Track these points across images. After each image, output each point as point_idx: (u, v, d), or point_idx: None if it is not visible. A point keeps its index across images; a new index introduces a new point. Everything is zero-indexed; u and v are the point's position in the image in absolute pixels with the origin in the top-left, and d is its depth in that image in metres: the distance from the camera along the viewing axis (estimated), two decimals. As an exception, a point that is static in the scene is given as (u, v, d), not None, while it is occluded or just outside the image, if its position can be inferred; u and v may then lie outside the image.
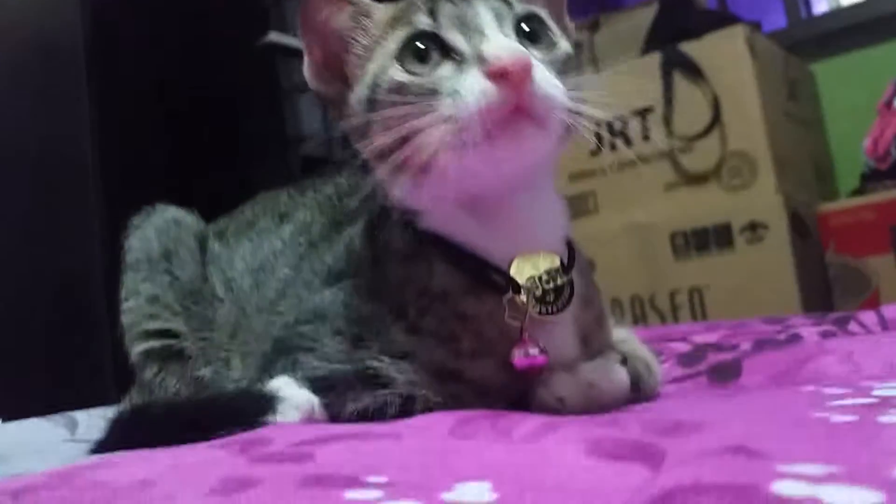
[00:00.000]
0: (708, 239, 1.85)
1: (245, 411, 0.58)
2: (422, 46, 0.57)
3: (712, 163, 1.87)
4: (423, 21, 0.58)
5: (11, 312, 1.87)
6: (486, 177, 0.56)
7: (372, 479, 0.38)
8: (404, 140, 0.55)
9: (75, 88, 1.79)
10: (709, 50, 1.89)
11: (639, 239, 1.92)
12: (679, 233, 1.88)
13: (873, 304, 1.69)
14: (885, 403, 0.44)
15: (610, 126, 2.02)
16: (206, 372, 0.83)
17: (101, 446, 0.63)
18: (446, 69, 0.56)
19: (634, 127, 1.97)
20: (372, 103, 0.59)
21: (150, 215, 0.94)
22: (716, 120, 1.85)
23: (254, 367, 0.72)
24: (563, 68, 0.58)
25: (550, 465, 0.39)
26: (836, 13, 2.40)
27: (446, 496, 0.35)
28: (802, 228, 1.82)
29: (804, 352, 0.72)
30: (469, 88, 0.53)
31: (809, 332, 0.91)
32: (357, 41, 0.64)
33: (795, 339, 0.89)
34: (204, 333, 0.85)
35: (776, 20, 2.47)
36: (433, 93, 0.55)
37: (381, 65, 0.59)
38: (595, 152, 2.01)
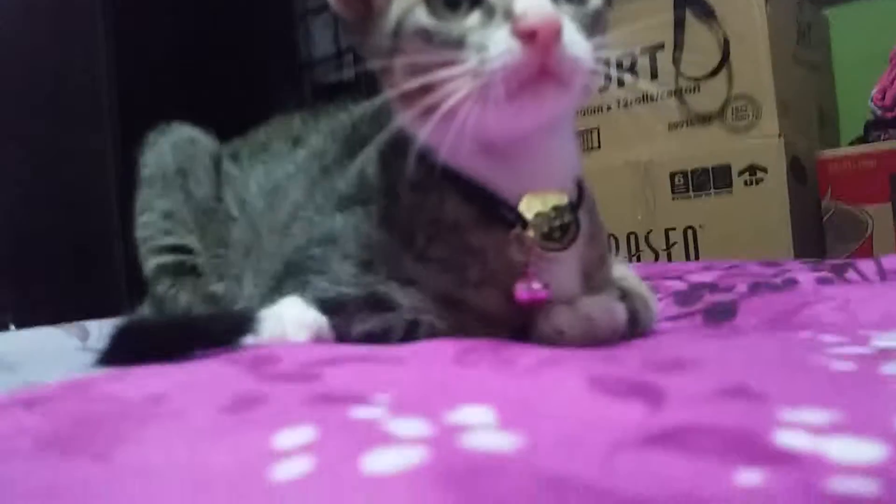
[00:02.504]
0: (707, 179, 1.85)
1: (227, 331, 0.58)
2: None
3: (717, 104, 1.85)
4: None
5: (27, 226, 1.89)
6: (506, 129, 0.57)
7: (377, 397, 0.39)
8: (428, 87, 0.54)
9: (90, 14, 1.75)
10: (723, -10, 1.84)
11: (639, 177, 1.92)
12: (679, 172, 1.88)
13: (866, 251, 1.71)
14: (885, 354, 0.45)
15: (619, 62, 1.99)
16: (218, 288, 0.85)
17: (103, 358, 0.64)
18: (474, 18, 0.54)
19: (643, 64, 1.95)
20: (396, 43, 0.57)
21: (166, 132, 0.94)
22: (724, 61, 1.83)
23: (265, 285, 0.74)
24: (592, 24, 0.57)
25: (552, 395, 0.40)
26: (855, -44, 2.33)
27: (449, 415, 0.36)
28: (801, 173, 1.82)
29: (800, 297, 0.73)
30: (496, 45, 0.52)
31: (806, 277, 0.92)
32: None
33: (791, 283, 0.90)
34: (217, 251, 0.86)
35: (793, -41, 2.41)
36: (459, 43, 0.54)
37: (408, 3, 0.56)
38: (602, 88, 1.98)
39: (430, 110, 0.54)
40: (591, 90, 0.58)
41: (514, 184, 0.61)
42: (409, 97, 0.56)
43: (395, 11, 0.58)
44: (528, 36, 0.50)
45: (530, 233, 0.60)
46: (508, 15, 0.52)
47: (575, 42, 0.53)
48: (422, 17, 0.56)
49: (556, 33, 0.51)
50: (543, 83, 0.52)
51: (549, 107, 0.55)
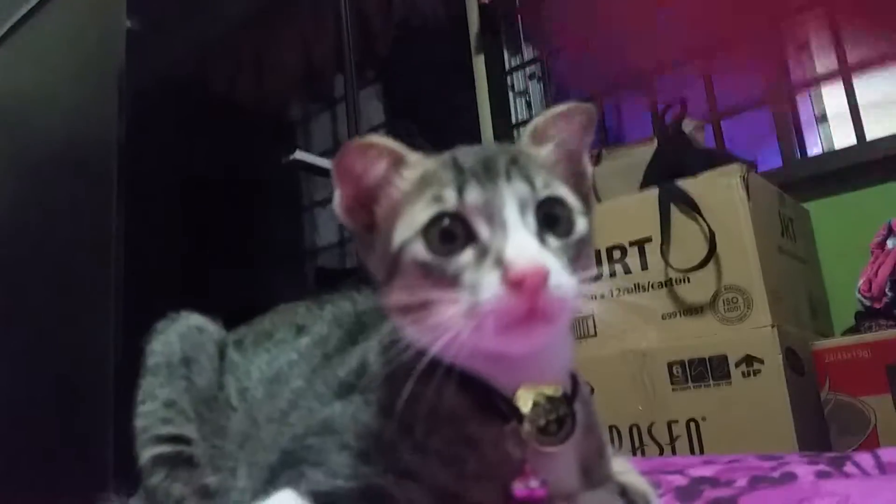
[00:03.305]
0: (705, 370, 1.85)
1: None
2: (447, 226, 0.59)
3: (708, 295, 1.90)
4: (450, 200, 0.59)
5: (17, 410, 1.87)
6: (497, 353, 0.59)
7: None
8: (422, 307, 0.58)
9: (105, 195, 1.84)
10: (705, 187, 1.95)
11: (636, 365, 1.93)
12: (676, 363, 1.89)
13: (872, 443, 1.67)
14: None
15: (609, 254, 2.08)
16: (213, 480, 0.83)
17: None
18: (468, 255, 0.58)
19: (633, 258, 2.02)
20: (395, 266, 0.61)
21: (175, 321, 0.96)
22: (711, 254, 1.89)
23: (259, 477, 0.72)
24: (577, 253, 0.60)
25: None
26: (829, 155, 2.50)
27: None
28: (797, 364, 1.83)
29: (800, 492, 0.72)
30: (487, 289, 0.55)
31: (804, 470, 0.91)
32: (389, 191, 0.65)
33: (790, 477, 0.89)
34: (215, 441, 0.85)
35: (771, 160, 2.57)
36: (454, 280, 0.57)
37: (408, 234, 0.60)
38: (595, 278, 2.05)
39: (426, 328, 0.57)
40: (579, 311, 0.60)
41: (510, 377, 0.62)
42: (406, 310, 0.60)
43: (396, 238, 0.61)
44: (516, 284, 0.54)
45: (526, 427, 0.60)
46: (499, 261, 0.55)
47: (562, 282, 0.55)
48: (420, 251, 0.59)
49: (543, 280, 0.54)
50: (531, 322, 0.55)
51: (538, 341, 0.58)
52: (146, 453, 0.86)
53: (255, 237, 2.09)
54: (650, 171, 2.16)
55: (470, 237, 0.58)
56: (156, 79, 1.98)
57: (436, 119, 2.87)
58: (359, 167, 0.66)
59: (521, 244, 0.56)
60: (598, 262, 2.08)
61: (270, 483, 0.65)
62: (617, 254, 2.06)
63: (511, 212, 0.58)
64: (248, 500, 0.64)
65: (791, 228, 2.16)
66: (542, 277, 0.54)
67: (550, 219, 0.60)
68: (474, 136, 3.16)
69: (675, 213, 1.98)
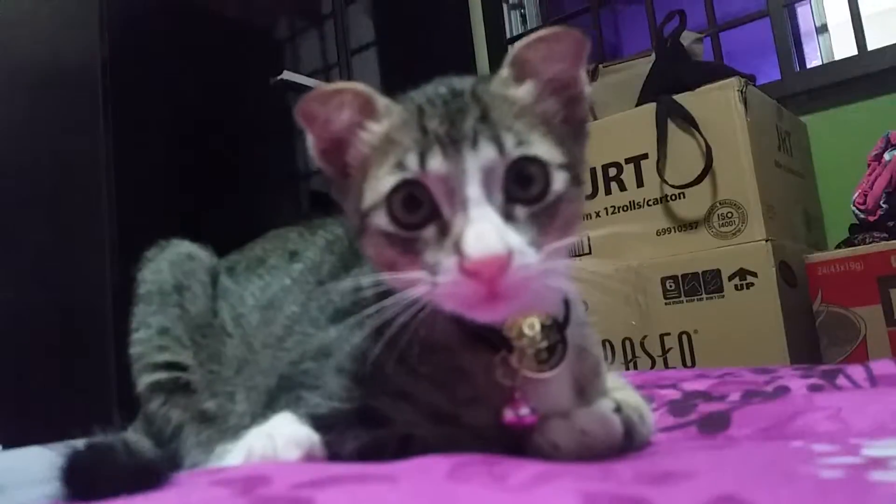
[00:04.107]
0: (698, 284, 1.87)
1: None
2: (410, 195, 0.57)
3: (703, 211, 1.90)
4: (412, 167, 0.57)
5: (19, 338, 1.88)
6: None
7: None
8: (391, 267, 0.58)
9: (91, 116, 1.81)
10: (703, 101, 1.93)
11: (630, 282, 1.94)
12: (669, 277, 1.91)
13: (860, 354, 1.71)
14: (875, 462, 0.45)
15: (605, 171, 2.06)
16: (211, 405, 0.84)
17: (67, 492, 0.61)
18: (429, 232, 0.56)
19: (629, 175, 2.01)
20: (363, 225, 0.60)
21: (164, 249, 0.95)
22: (708, 169, 1.89)
23: (258, 401, 0.73)
24: (553, 213, 0.58)
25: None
26: (828, 67, 2.45)
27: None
28: (790, 277, 1.84)
29: (792, 406, 0.73)
30: (444, 273, 0.54)
31: (797, 384, 0.93)
32: (357, 143, 0.63)
33: (783, 391, 0.90)
34: (211, 367, 0.86)
35: (770, 73, 2.52)
36: (415, 252, 0.56)
37: (373, 200, 0.59)
38: (591, 196, 2.05)
39: (398, 283, 0.57)
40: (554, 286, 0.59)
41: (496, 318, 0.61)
42: (378, 264, 0.60)
43: (364, 200, 0.60)
44: (472, 274, 0.52)
45: (517, 356, 0.60)
46: (457, 246, 0.53)
47: (527, 262, 0.54)
48: (383, 222, 0.58)
49: (501, 269, 0.52)
50: (493, 303, 0.54)
51: (503, 315, 0.57)
52: (143, 381, 0.87)
53: (245, 161, 2.06)
54: (648, 85, 2.12)
55: (433, 209, 0.56)
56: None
57: (427, 34, 2.79)
58: (322, 116, 0.63)
59: (481, 231, 0.53)
60: (594, 181, 2.07)
61: (269, 407, 0.66)
62: (612, 171, 2.05)
63: (473, 188, 0.55)
64: (247, 423, 0.65)
65: (788, 142, 2.14)
66: (501, 266, 0.52)
67: (522, 180, 0.57)
68: (467, 53, 3.08)
69: (672, 129, 1.96)
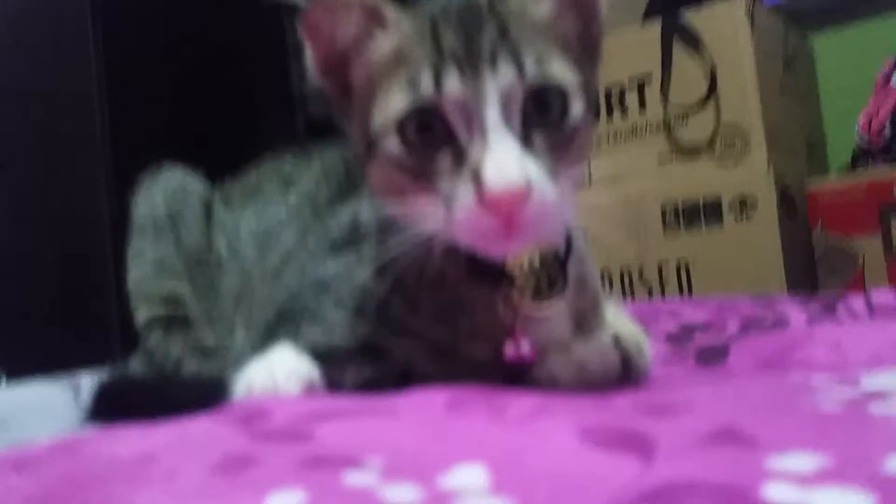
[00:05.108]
0: (697, 215, 1.86)
1: (199, 400, 0.56)
2: (424, 120, 0.54)
3: (706, 135, 1.88)
4: (427, 88, 0.53)
5: (18, 271, 1.88)
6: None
7: (370, 459, 0.39)
8: (401, 195, 0.55)
9: (82, 40, 1.77)
10: (709, 19, 1.88)
11: (630, 212, 1.93)
12: (669, 206, 1.90)
13: (858, 283, 1.72)
14: (874, 395, 0.45)
15: (608, 95, 2.02)
16: (210, 338, 0.84)
17: (89, 415, 0.63)
18: (445, 160, 0.53)
19: (632, 96, 1.98)
20: (372, 150, 0.57)
21: (157, 178, 0.93)
22: (711, 91, 1.86)
23: (256, 334, 0.73)
24: (570, 141, 0.55)
25: (544, 450, 0.40)
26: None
27: (442, 480, 0.36)
28: (791, 206, 1.84)
29: (791, 338, 0.73)
30: (461, 204, 0.51)
31: (796, 316, 0.93)
32: (363, 58, 0.59)
33: (782, 323, 0.91)
34: (209, 299, 0.86)
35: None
36: (429, 180, 0.54)
37: (383, 122, 0.55)
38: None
39: (407, 215, 0.56)
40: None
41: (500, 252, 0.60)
42: (386, 193, 0.57)
43: (373, 121, 0.57)
44: (492, 205, 0.50)
45: (516, 291, 0.60)
46: (476, 175, 0.51)
47: (545, 197, 0.52)
48: (395, 146, 0.55)
49: (521, 201, 0.50)
50: (509, 237, 0.52)
51: (517, 250, 0.56)
52: (141, 314, 0.87)
53: (239, 84, 2.02)
54: (654, 1, 2.07)
55: (449, 134, 0.53)
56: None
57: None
58: (327, 27, 0.59)
59: (501, 159, 0.50)
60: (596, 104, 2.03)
61: (268, 339, 0.66)
62: (616, 92, 2.01)
63: (493, 112, 0.52)
64: (247, 356, 0.65)
65: (794, 64, 2.10)
66: (521, 198, 0.50)
67: (541, 103, 0.54)
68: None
69: (677, 49, 1.92)
